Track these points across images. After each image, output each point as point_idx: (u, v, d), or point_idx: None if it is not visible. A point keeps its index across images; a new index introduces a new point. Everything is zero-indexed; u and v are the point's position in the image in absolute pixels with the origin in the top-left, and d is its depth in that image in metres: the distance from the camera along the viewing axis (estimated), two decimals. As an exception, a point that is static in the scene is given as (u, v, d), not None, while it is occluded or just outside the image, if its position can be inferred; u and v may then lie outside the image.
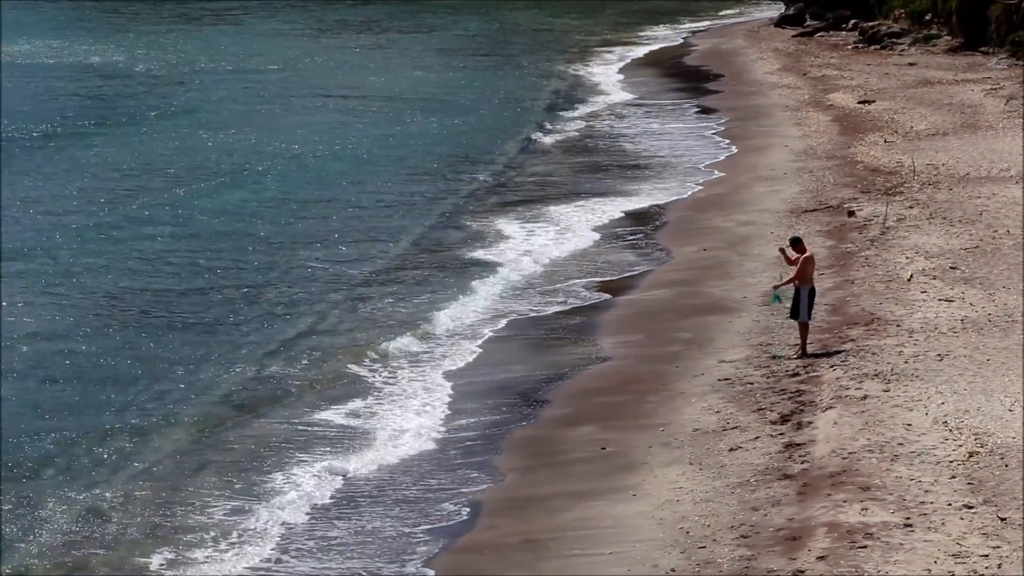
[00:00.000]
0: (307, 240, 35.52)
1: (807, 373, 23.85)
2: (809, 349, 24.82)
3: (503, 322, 29.07)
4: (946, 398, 21.79)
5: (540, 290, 31.27)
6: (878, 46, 68.60)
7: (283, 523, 19.73)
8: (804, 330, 24.95)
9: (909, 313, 26.46)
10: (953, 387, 22.27)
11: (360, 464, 21.78)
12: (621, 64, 72.44)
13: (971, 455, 19.63)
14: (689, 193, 40.66)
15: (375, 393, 24.95)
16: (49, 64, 70.15)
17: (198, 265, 33.13)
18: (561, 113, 56.48)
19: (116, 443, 22.43)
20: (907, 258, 30.38)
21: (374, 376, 25.71)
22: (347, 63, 72.17)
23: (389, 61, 72.73)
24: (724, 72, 65.73)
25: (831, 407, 21.94)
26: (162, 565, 18.52)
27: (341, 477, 21.27)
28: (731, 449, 20.97)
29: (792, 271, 25.52)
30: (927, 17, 68.02)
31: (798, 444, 20.73)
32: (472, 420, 23.68)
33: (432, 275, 32.55)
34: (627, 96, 61.05)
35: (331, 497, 20.67)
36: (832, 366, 23.91)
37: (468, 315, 29.31)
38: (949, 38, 65.74)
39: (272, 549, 19.01)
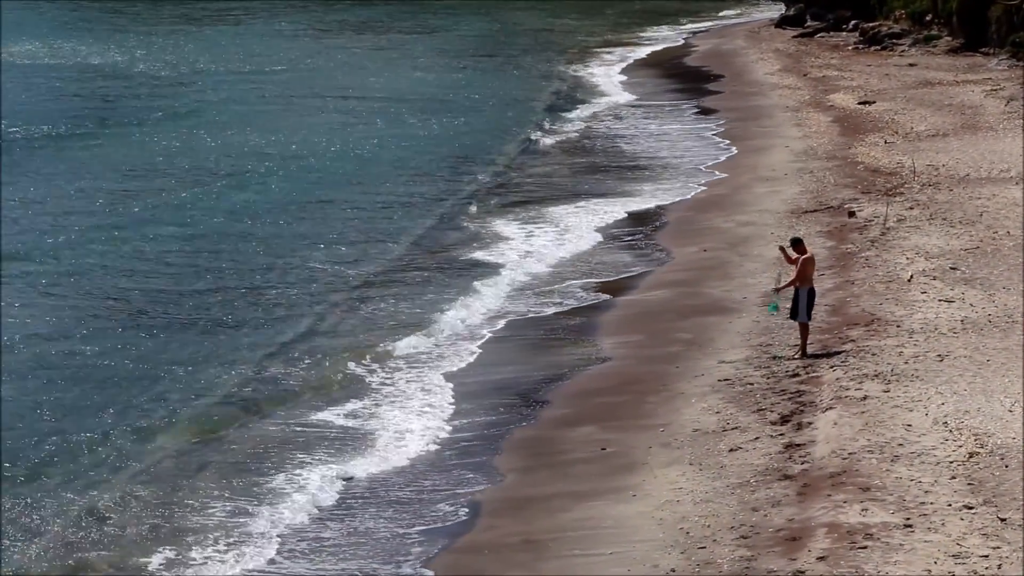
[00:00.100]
0: (308, 241, 35.51)
1: (807, 374, 23.85)
2: (809, 350, 24.82)
3: (503, 323, 29.07)
4: (946, 399, 21.79)
5: (540, 291, 31.27)
6: (878, 47, 68.60)
7: (283, 524, 19.72)
8: (804, 331, 24.95)
9: (909, 314, 26.46)
10: (953, 388, 22.27)
11: (360, 465, 21.77)
12: (621, 65, 72.44)
13: (971, 456, 19.63)
14: (691, 194, 40.65)
15: (375, 394, 24.94)
16: (49, 64, 70.14)
17: (198, 265, 33.13)
18: (562, 114, 56.46)
19: (116, 443, 22.42)
20: (907, 259, 30.38)
21: (374, 377, 25.70)
22: (347, 64, 72.17)
23: (390, 62, 72.73)
24: (724, 73, 65.74)
25: (831, 408, 21.94)
26: (162, 565, 18.51)
27: (342, 479, 21.25)
28: (731, 449, 20.97)
29: (792, 272, 25.53)
30: (928, 18, 68.02)
31: (798, 445, 20.74)
32: (472, 421, 23.68)
33: (432, 276, 32.54)
34: (628, 97, 61.05)
35: (331, 498, 20.66)
36: (832, 367, 23.91)
37: (468, 316, 29.30)
38: (949, 39, 65.74)
39: (272, 550, 19.00)
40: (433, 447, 22.59)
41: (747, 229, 35.09)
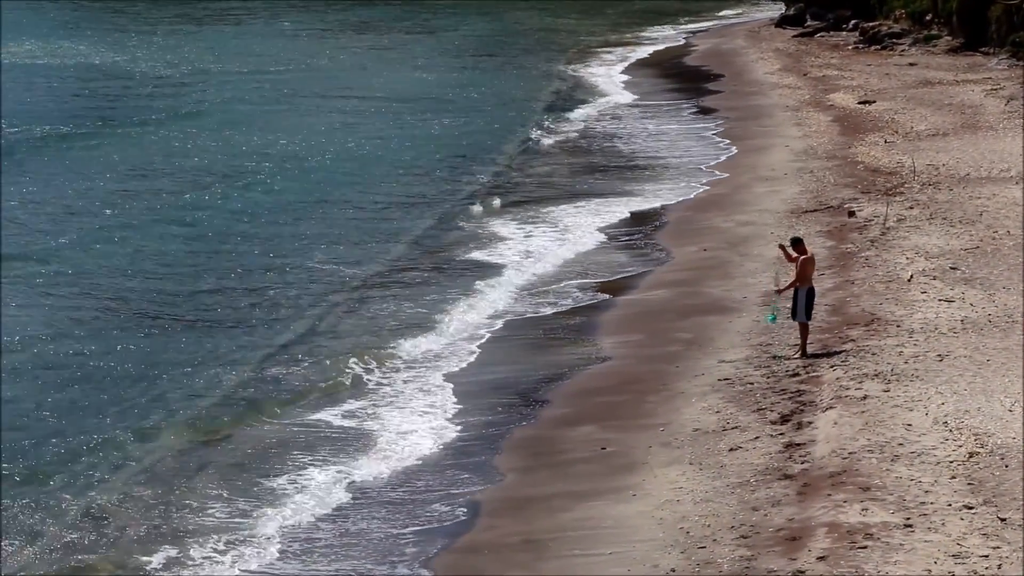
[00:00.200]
0: (308, 241, 35.51)
1: (807, 373, 23.85)
2: (809, 349, 24.82)
3: (503, 322, 29.07)
4: (946, 398, 21.79)
5: (540, 290, 31.27)
6: (879, 46, 68.65)
7: (283, 525, 19.71)
8: (804, 330, 24.95)
9: (909, 313, 26.46)
10: (953, 387, 22.27)
11: (360, 465, 21.77)
12: (622, 65, 72.50)
13: (971, 455, 19.63)
14: (693, 194, 40.63)
15: (376, 394, 24.94)
16: (50, 64, 70.16)
17: (198, 265, 33.13)
18: (562, 113, 56.50)
19: (116, 443, 22.40)
20: (907, 258, 30.38)
21: (375, 377, 25.69)
22: (348, 63, 72.21)
23: (390, 61, 72.76)
24: (724, 72, 65.77)
25: (831, 407, 21.94)
26: (162, 565, 18.50)
27: (343, 479, 21.25)
28: (731, 449, 20.97)
29: (792, 272, 25.54)
30: (928, 17, 68.04)
31: (798, 444, 20.73)
32: (472, 420, 23.67)
33: (433, 276, 32.55)
34: (628, 96, 61.08)
35: (331, 498, 20.64)
36: (832, 366, 23.91)
37: (468, 316, 29.30)
38: (949, 38, 65.76)
39: (272, 551, 18.99)
40: (433, 447, 22.58)
41: (747, 229, 35.09)
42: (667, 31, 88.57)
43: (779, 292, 25.87)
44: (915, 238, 32.22)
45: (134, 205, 39.26)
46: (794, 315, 25.13)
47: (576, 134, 51.96)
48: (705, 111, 55.68)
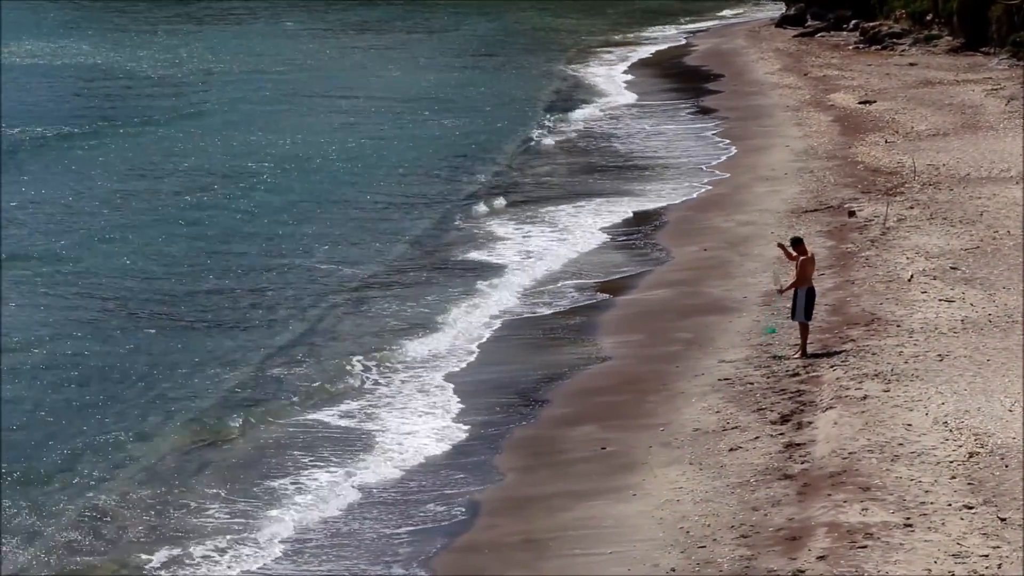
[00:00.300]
0: (309, 241, 35.50)
1: (807, 373, 23.85)
2: (809, 349, 24.82)
3: (503, 322, 29.06)
4: (946, 398, 21.79)
5: (540, 290, 31.26)
6: (879, 46, 68.65)
7: (282, 525, 19.70)
8: (804, 330, 24.95)
9: (909, 313, 26.46)
10: (953, 387, 22.27)
11: (360, 465, 21.76)
12: (622, 65, 72.49)
13: (971, 455, 19.63)
14: (696, 194, 40.60)
15: (376, 394, 24.93)
16: (50, 65, 70.12)
17: (198, 265, 33.12)
18: (563, 113, 56.48)
19: (116, 443, 22.40)
20: (907, 258, 30.38)
21: (375, 377, 25.68)
22: (348, 63, 72.20)
23: (391, 61, 72.75)
24: (725, 72, 65.77)
25: (831, 407, 21.94)
26: (161, 565, 18.50)
27: (343, 479, 21.25)
28: (731, 449, 20.97)
29: (792, 272, 25.55)
30: (928, 17, 68.03)
31: (798, 444, 20.74)
32: (472, 420, 23.67)
33: (434, 276, 32.54)
34: (628, 96, 61.08)
35: (331, 498, 20.64)
36: (832, 366, 23.91)
37: (468, 316, 29.29)
38: (950, 38, 65.76)
39: (272, 551, 18.98)
40: (434, 447, 22.57)
41: (747, 228, 35.09)
42: (667, 31, 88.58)
43: (781, 292, 25.88)
44: (915, 238, 32.22)
45: (134, 205, 39.27)
46: (794, 315, 25.14)
47: (576, 134, 51.96)
48: (705, 111, 55.68)
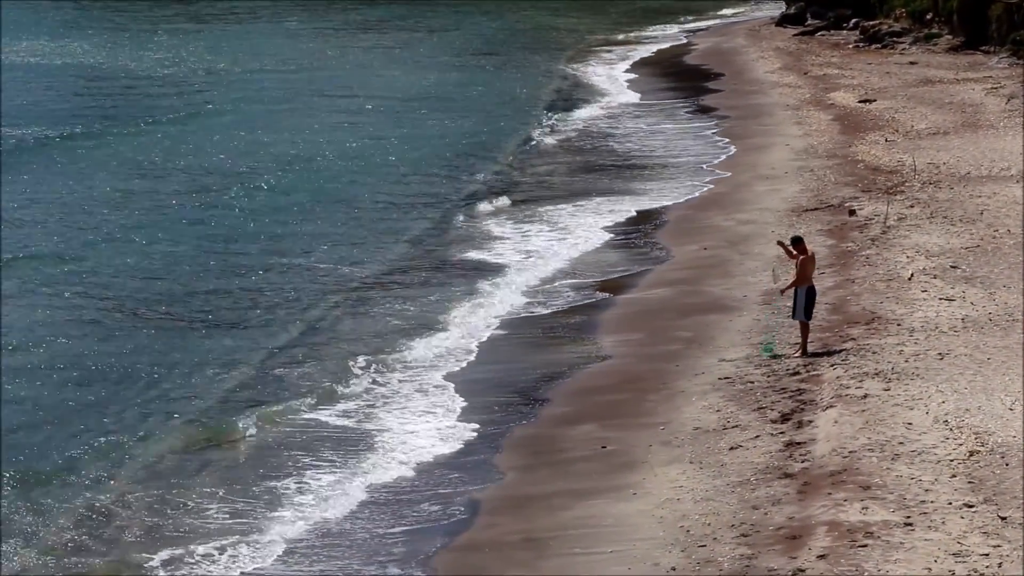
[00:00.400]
0: (309, 241, 35.50)
1: (808, 372, 23.84)
2: (810, 348, 24.81)
3: (504, 321, 29.06)
4: (947, 397, 21.79)
5: (540, 289, 31.25)
6: (879, 45, 68.63)
7: (283, 525, 19.71)
8: (805, 329, 24.95)
9: (910, 312, 26.46)
10: (954, 386, 22.27)
11: (360, 465, 21.76)
12: (623, 64, 72.48)
13: (971, 454, 19.62)
14: (698, 193, 40.58)
15: (376, 394, 24.92)
16: (50, 65, 70.07)
17: (199, 265, 33.11)
18: (563, 113, 56.48)
19: (116, 443, 22.40)
20: (908, 257, 30.38)
21: (375, 377, 25.66)
22: (348, 63, 72.19)
23: (392, 61, 72.75)
24: (725, 71, 65.76)
25: (832, 406, 21.94)
26: (162, 566, 18.49)
27: (342, 479, 21.25)
28: (731, 448, 20.97)
29: (792, 271, 25.56)
30: (928, 16, 68.02)
31: (798, 443, 20.73)
32: (472, 419, 23.66)
33: (434, 276, 32.55)
34: (629, 95, 61.08)
35: (331, 498, 20.64)
36: (833, 365, 23.90)
37: (469, 315, 29.29)
38: (950, 37, 65.75)
39: (272, 551, 18.98)
40: (434, 446, 22.57)
41: (747, 227, 35.09)
42: (668, 30, 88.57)
43: (782, 293, 25.91)
44: (916, 237, 32.21)
45: (134, 205, 39.27)
46: (794, 314, 25.14)
47: (577, 133, 51.96)
48: (705, 110, 55.67)
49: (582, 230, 36.54)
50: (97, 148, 47.39)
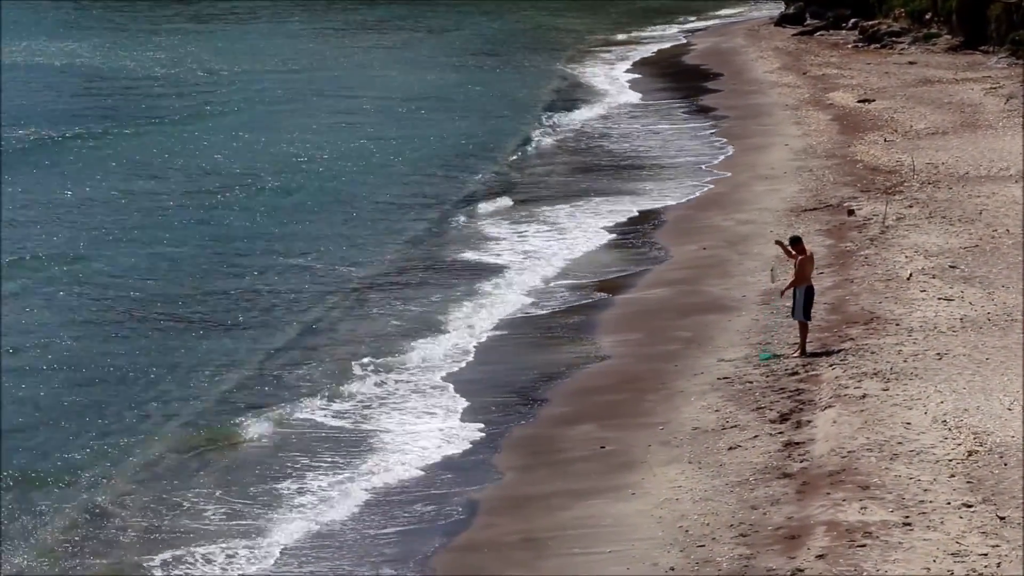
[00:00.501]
0: (309, 241, 35.50)
1: (806, 372, 23.86)
2: (808, 348, 24.82)
3: (503, 321, 29.06)
4: (945, 397, 21.80)
5: (539, 290, 31.26)
6: (878, 45, 68.64)
7: (283, 526, 19.71)
8: (803, 329, 24.97)
9: (908, 312, 26.47)
10: (952, 386, 22.28)
11: (360, 465, 21.77)
12: (622, 64, 72.49)
13: (970, 454, 19.64)
14: (699, 193, 40.56)
15: (375, 395, 24.93)
16: (50, 65, 70.04)
17: (199, 266, 33.12)
18: (563, 113, 56.47)
19: (116, 443, 22.41)
20: (906, 257, 30.39)
21: (375, 378, 25.65)
22: (348, 63, 72.17)
23: (392, 61, 72.74)
24: (724, 71, 65.77)
25: (830, 406, 21.95)
26: (160, 567, 18.49)
27: (342, 479, 21.26)
28: (730, 448, 20.98)
29: (791, 271, 25.57)
30: (927, 16, 68.03)
31: (797, 443, 20.75)
32: (472, 419, 23.67)
33: (434, 276, 32.56)
34: (628, 96, 61.09)
35: (330, 498, 20.65)
36: (831, 365, 23.92)
37: (468, 315, 29.29)
38: (949, 37, 65.76)
39: (272, 552, 19.00)
40: (433, 446, 22.58)
41: (746, 227, 35.09)
42: (667, 30, 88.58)
43: (781, 294, 25.93)
44: (914, 236, 32.22)
45: (135, 205, 39.28)
46: (793, 314, 25.16)
47: (576, 133, 51.96)
48: (704, 110, 55.67)
49: (581, 230, 36.55)
50: (97, 148, 47.41)
